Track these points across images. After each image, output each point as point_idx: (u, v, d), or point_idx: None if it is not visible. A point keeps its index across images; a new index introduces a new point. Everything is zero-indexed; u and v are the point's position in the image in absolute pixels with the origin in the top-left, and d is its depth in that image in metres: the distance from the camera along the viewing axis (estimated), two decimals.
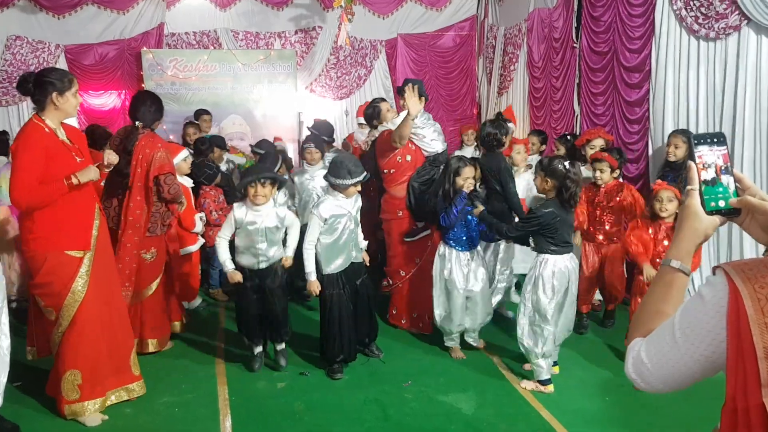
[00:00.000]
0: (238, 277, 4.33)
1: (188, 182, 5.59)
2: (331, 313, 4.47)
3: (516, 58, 8.30)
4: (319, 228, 4.38)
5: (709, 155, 1.43)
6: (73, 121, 3.92)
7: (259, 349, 4.58)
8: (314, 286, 4.40)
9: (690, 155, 1.47)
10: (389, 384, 4.37)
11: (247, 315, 4.47)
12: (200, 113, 7.61)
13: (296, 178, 5.85)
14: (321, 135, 6.02)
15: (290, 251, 4.46)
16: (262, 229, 4.27)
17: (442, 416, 3.94)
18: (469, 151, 7.36)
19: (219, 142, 6.72)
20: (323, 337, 4.54)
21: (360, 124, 7.22)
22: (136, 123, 4.62)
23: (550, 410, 3.97)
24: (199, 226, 5.57)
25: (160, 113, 4.77)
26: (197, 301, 5.91)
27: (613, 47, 6.21)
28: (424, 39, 9.43)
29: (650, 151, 5.79)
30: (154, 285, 4.79)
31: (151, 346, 4.85)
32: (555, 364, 4.33)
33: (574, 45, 6.87)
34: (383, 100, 5.90)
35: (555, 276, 4.07)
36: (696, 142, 1.44)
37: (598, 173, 5.04)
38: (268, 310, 4.43)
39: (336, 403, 4.13)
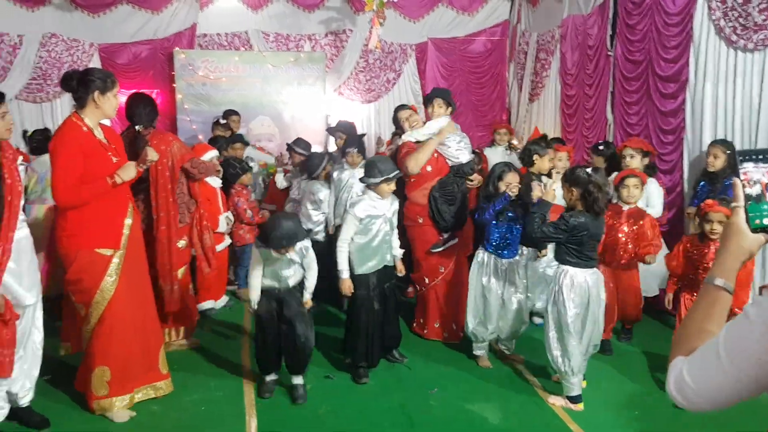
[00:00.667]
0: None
1: (216, 182, 5.62)
2: (359, 314, 4.47)
3: (548, 64, 8.23)
4: (354, 227, 4.37)
5: (754, 172, 1.40)
6: (104, 120, 3.97)
7: (272, 377, 4.31)
8: (347, 284, 4.38)
9: (735, 171, 1.44)
10: (414, 390, 4.35)
11: (265, 342, 4.19)
12: (229, 113, 7.66)
13: (335, 174, 5.78)
14: (353, 137, 5.99)
15: (308, 294, 4.26)
16: (286, 260, 4.09)
17: (466, 424, 3.91)
18: (499, 150, 7.30)
19: (238, 139, 6.79)
20: (348, 338, 4.55)
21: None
22: (136, 127, 4.62)
23: (577, 422, 3.92)
24: (223, 226, 5.61)
25: (155, 113, 4.78)
26: (224, 300, 5.93)
27: (649, 56, 6.13)
28: (454, 44, 9.38)
29: (685, 162, 5.70)
30: (181, 272, 4.87)
31: (176, 333, 4.99)
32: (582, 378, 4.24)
33: (609, 53, 6.79)
34: (404, 107, 5.86)
35: (573, 289, 3.98)
36: (741, 158, 1.41)
37: (632, 190, 4.83)
38: (288, 336, 4.14)
39: (360, 408, 4.12)
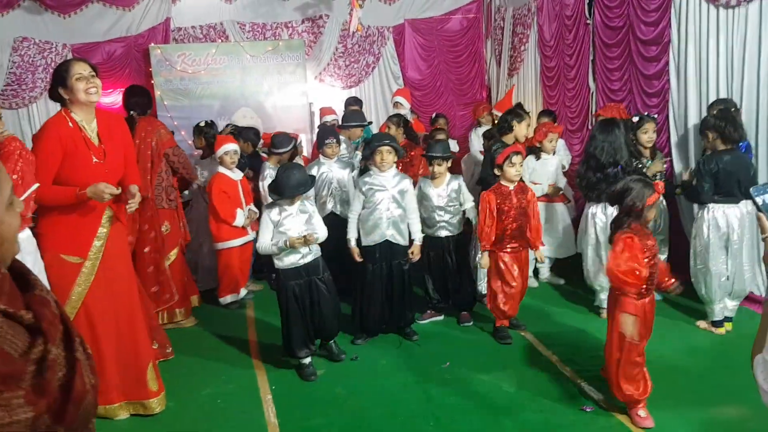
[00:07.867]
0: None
1: (237, 175, 5.65)
2: (362, 284, 4.73)
3: (526, 38, 8.24)
4: (359, 199, 4.65)
5: None
6: None
7: (308, 359, 4.35)
8: (354, 252, 4.59)
9: (757, 207, 1.55)
10: (428, 366, 4.38)
11: (296, 321, 4.23)
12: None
13: (314, 169, 5.62)
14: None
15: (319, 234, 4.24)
16: (296, 213, 4.21)
17: (484, 394, 3.95)
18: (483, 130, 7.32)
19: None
20: (354, 309, 4.83)
21: (396, 103, 7.43)
22: (131, 113, 5.21)
23: (587, 381, 3.98)
24: (240, 220, 5.56)
25: (149, 102, 5.41)
26: (243, 292, 5.83)
27: (628, 21, 6.16)
28: (431, 23, 9.35)
29: (671, 124, 5.77)
30: (173, 255, 5.22)
31: (179, 315, 5.27)
32: (729, 320, 4.65)
33: (587, 21, 6.83)
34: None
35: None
36: (755, 192, 1.57)
37: (513, 169, 4.56)
38: (316, 308, 4.26)
39: (377, 387, 4.14)
